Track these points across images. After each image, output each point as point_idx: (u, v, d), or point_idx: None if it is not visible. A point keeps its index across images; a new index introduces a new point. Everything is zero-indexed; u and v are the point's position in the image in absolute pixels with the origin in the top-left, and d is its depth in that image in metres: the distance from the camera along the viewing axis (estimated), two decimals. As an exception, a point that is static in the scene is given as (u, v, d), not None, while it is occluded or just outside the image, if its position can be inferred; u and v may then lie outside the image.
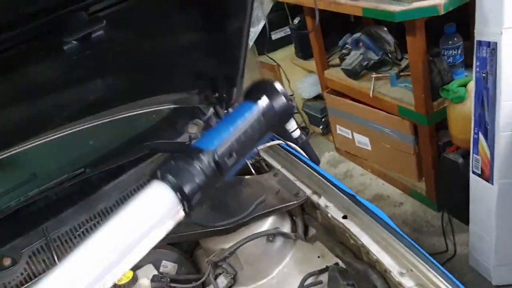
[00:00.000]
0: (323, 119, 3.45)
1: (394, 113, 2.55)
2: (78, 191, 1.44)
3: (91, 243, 0.79)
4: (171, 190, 0.77)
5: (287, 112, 0.92)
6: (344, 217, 1.24)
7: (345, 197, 1.28)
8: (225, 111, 1.54)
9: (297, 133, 1.64)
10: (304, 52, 3.28)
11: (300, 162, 1.46)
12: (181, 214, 0.79)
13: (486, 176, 1.96)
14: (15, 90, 0.90)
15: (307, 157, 1.57)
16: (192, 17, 1.08)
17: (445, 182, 2.46)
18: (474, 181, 2.06)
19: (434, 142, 2.44)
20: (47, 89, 0.94)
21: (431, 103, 2.30)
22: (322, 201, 1.30)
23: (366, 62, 2.71)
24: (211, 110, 1.71)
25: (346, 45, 2.88)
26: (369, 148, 2.97)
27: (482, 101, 1.92)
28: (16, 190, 1.45)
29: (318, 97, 3.54)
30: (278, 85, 0.92)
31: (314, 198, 1.33)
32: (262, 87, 0.92)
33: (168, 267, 1.35)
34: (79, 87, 1.03)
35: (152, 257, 1.33)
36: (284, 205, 1.32)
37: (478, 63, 1.91)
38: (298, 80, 3.53)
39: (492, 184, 1.93)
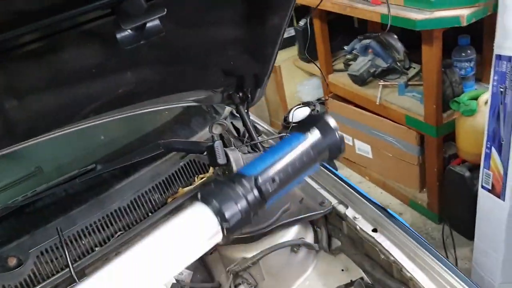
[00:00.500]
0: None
1: (400, 122, 2.52)
2: (89, 188, 1.35)
3: (129, 255, 0.76)
4: (211, 213, 0.77)
5: (338, 147, 0.93)
6: (374, 230, 1.19)
7: (374, 208, 1.23)
8: (246, 111, 1.47)
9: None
10: (308, 55, 3.23)
11: (322, 168, 1.40)
12: (220, 236, 0.79)
13: (497, 192, 1.94)
14: (53, 76, 0.82)
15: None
16: (234, 10, 1.01)
17: (449, 195, 2.44)
18: (483, 196, 2.03)
19: (440, 154, 2.41)
20: (81, 78, 0.86)
21: (441, 114, 2.28)
22: (349, 212, 1.25)
23: (374, 69, 2.68)
24: (227, 109, 1.65)
25: (353, 51, 2.84)
26: (370, 156, 2.93)
27: (498, 116, 1.90)
28: (23, 184, 1.37)
29: (321, 102, 3.50)
30: (331, 120, 0.92)
31: (340, 208, 1.27)
32: (315, 120, 0.93)
33: (184, 274, 1.28)
34: (112, 78, 0.95)
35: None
36: (309, 214, 1.27)
37: (496, 77, 1.89)
38: (299, 82, 3.48)
39: (504, 200, 1.90)
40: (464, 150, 2.29)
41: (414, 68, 2.70)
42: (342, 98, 2.98)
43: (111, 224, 1.29)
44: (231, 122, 1.66)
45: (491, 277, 2.08)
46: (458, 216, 2.44)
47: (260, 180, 0.82)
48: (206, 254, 1.33)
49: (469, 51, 2.28)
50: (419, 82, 2.58)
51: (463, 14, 1.86)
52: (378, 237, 1.17)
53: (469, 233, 2.42)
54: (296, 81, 3.49)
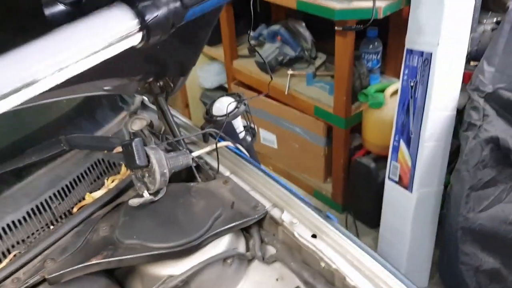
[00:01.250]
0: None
1: (308, 113, 2.49)
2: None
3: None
4: (131, 11, 0.70)
5: None
6: (313, 236, 1.10)
7: (312, 212, 1.15)
8: (165, 101, 1.29)
9: (241, 134, 1.46)
10: (210, 38, 3.07)
11: (253, 168, 1.29)
12: (138, 38, 0.72)
13: (405, 183, 2.00)
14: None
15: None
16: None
17: (354, 185, 2.49)
18: (390, 187, 2.08)
19: (347, 146, 2.43)
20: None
21: (351, 106, 2.29)
22: (286, 217, 1.14)
23: (282, 57, 2.61)
24: (138, 98, 1.45)
25: (260, 37, 2.75)
26: (275, 146, 2.89)
27: (407, 110, 1.94)
28: None
29: (220, 88, 3.37)
30: None
31: (275, 212, 1.17)
32: None
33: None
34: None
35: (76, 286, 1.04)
36: (243, 220, 1.14)
37: (406, 71, 1.92)
38: (200, 68, 3.31)
39: (411, 192, 1.96)
40: (369, 142, 2.34)
41: (320, 58, 2.68)
42: (247, 85, 2.88)
43: (4, 242, 1.04)
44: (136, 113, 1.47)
45: (396, 267, 2.15)
46: (362, 206, 2.50)
47: None
48: (122, 275, 1.15)
49: (376, 43, 2.31)
50: (326, 72, 2.58)
51: (380, 6, 1.85)
52: (318, 244, 1.08)
53: (372, 222, 2.50)
54: (196, 66, 3.31)
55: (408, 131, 1.93)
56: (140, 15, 0.70)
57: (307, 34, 2.57)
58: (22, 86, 0.58)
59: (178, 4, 0.74)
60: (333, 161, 2.54)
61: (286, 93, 2.53)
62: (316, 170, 2.72)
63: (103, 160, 1.27)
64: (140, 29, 0.70)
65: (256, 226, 1.20)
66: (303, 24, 2.57)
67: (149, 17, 0.70)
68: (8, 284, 0.97)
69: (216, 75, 3.28)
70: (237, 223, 1.13)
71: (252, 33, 2.86)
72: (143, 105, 1.47)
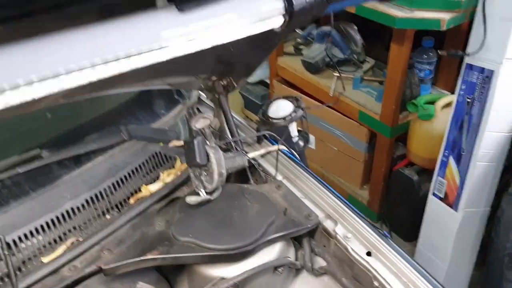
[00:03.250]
0: (263, 107, 3.27)
1: (352, 117, 2.45)
2: (32, 178, 1.10)
3: None
4: None
5: None
6: (368, 253, 1.08)
7: (367, 228, 1.12)
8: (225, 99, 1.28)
9: (295, 139, 1.44)
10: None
11: (307, 174, 1.27)
12: (279, 22, 0.71)
13: (450, 201, 1.95)
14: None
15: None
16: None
17: (393, 195, 2.45)
18: (434, 203, 2.04)
19: (390, 155, 2.39)
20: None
21: (398, 115, 2.24)
22: (339, 230, 1.13)
23: (329, 59, 2.57)
24: (195, 93, 1.44)
25: (309, 37, 2.72)
26: (313, 147, 2.86)
27: (461, 126, 1.89)
28: None
29: (260, 83, 3.35)
30: None
31: (329, 224, 1.15)
32: None
33: (144, 289, 1.08)
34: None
35: (127, 278, 1.05)
36: (296, 229, 1.12)
37: (464, 87, 1.87)
38: (243, 60, 3.29)
39: (456, 211, 1.91)
40: (414, 153, 2.29)
41: (369, 62, 2.64)
42: (289, 83, 2.86)
43: (62, 229, 1.05)
44: (198, 108, 1.46)
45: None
46: (399, 218, 2.46)
47: None
48: (169, 269, 1.15)
49: (431, 54, 2.25)
50: (374, 77, 2.53)
51: (444, 18, 1.80)
52: (373, 262, 1.06)
53: (407, 235, 2.45)
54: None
55: (459, 148, 1.88)
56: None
57: (358, 37, 2.52)
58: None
59: None
60: (374, 169, 2.50)
61: (331, 94, 2.49)
62: (353, 176, 2.69)
63: (159, 152, 1.27)
64: (285, 14, 0.70)
65: (307, 236, 1.18)
66: (355, 27, 2.52)
67: (296, 2, 0.70)
68: (65, 271, 0.98)
69: (260, 70, 3.25)
70: (290, 231, 1.11)
71: (301, 32, 2.82)
72: (200, 101, 1.47)
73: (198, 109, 1.45)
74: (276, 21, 0.68)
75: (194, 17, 0.52)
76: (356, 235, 1.12)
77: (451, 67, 2.33)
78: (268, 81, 3.14)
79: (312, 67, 2.61)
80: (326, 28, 2.56)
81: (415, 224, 2.20)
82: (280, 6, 0.67)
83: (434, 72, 2.35)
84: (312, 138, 2.85)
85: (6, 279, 0.95)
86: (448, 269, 1.97)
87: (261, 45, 1.00)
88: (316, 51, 2.60)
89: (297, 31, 2.97)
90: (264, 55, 1.08)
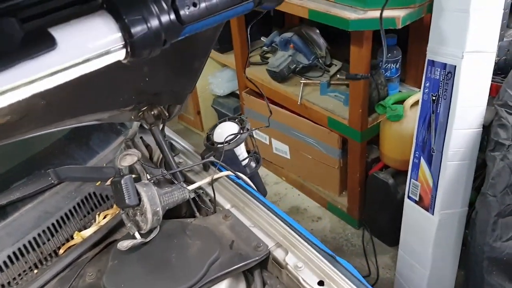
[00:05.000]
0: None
1: (322, 124, 2.37)
2: None
3: None
4: (115, 23, 0.59)
5: None
6: (320, 283, 0.99)
7: (319, 255, 1.04)
8: (161, 130, 1.19)
9: (245, 161, 1.35)
10: (222, 45, 2.97)
11: (256, 201, 1.18)
12: (121, 55, 0.61)
13: (426, 204, 1.86)
14: None
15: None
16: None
17: (371, 200, 2.36)
18: (410, 207, 1.95)
19: (363, 159, 2.31)
20: None
21: (367, 119, 2.16)
22: (290, 260, 1.04)
23: (294, 66, 2.49)
24: (136, 124, 1.35)
25: (273, 44, 2.63)
26: (288, 156, 2.77)
27: (429, 125, 1.80)
28: None
29: (232, 95, 3.27)
30: None
31: (279, 253, 1.06)
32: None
33: None
34: None
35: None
36: (243, 263, 1.03)
37: (428, 84, 1.79)
38: (212, 74, 3.21)
39: (433, 214, 1.83)
40: (388, 156, 2.20)
41: (336, 65, 2.55)
42: (258, 94, 2.77)
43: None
44: (141, 137, 1.37)
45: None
46: (379, 222, 2.37)
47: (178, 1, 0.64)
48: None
49: (395, 52, 2.17)
50: (341, 81, 2.45)
51: (399, 15, 1.72)
52: (326, 292, 0.97)
53: (389, 240, 2.37)
54: (208, 73, 3.21)
55: (429, 148, 1.80)
56: (125, 29, 0.59)
57: (321, 41, 2.44)
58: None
59: (172, 18, 0.63)
60: (349, 175, 2.41)
61: (299, 103, 2.41)
62: (331, 183, 2.60)
63: (94, 193, 1.17)
64: (124, 45, 0.60)
65: (258, 268, 1.09)
66: (317, 31, 2.44)
67: (136, 32, 0.59)
68: None
69: (228, 82, 3.18)
70: (235, 266, 1.03)
71: (264, 40, 2.74)
72: (142, 128, 1.38)
73: (142, 138, 1.37)
74: (118, 55, 0.58)
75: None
76: (308, 264, 1.03)
77: (419, 63, 2.25)
78: (238, 92, 3.06)
79: (278, 76, 2.52)
80: (288, 35, 2.47)
81: (396, 229, 2.11)
82: (117, 37, 0.57)
83: (401, 69, 2.27)
84: (286, 147, 2.76)
85: None
86: (431, 274, 1.88)
87: (182, 72, 0.92)
88: (280, 59, 2.51)
89: (262, 39, 2.90)
90: (191, 81, 0.99)
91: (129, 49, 0.57)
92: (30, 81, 0.45)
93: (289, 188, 2.88)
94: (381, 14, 1.49)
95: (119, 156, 1.04)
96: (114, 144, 1.32)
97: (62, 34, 0.49)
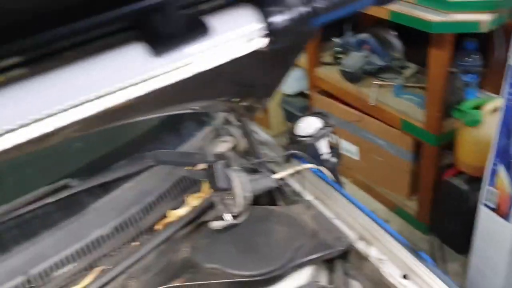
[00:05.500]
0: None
1: (395, 126, 2.36)
2: (60, 208, 1.12)
3: None
4: (257, 14, 0.64)
5: None
6: (404, 276, 1.02)
7: (403, 249, 1.06)
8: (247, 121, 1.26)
9: (326, 156, 1.39)
10: (294, 45, 3.02)
11: (338, 194, 1.22)
12: (261, 43, 0.66)
13: (503, 212, 1.82)
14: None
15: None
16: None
17: (443, 206, 2.32)
18: (485, 214, 1.91)
19: (437, 164, 2.28)
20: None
21: (443, 123, 2.13)
22: (373, 252, 1.07)
23: (368, 67, 2.50)
24: (222, 116, 1.42)
25: (346, 44, 2.65)
26: (357, 157, 2.78)
27: (510, 132, 1.76)
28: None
29: (300, 94, 3.31)
30: None
31: (362, 246, 1.09)
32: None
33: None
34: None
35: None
36: (325, 252, 1.08)
37: (510, 90, 1.74)
38: (282, 73, 3.27)
39: (510, 222, 1.78)
40: (463, 161, 2.16)
41: (410, 68, 2.54)
42: (329, 94, 2.80)
43: (91, 257, 1.06)
44: (225, 128, 1.45)
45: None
46: (450, 229, 2.33)
47: None
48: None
49: (475, 56, 2.13)
50: (417, 84, 2.43)
51: (484, 19, 1.70)
52: (410, 285, 1.00)
53: (460, 247, 2.32)
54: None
55: (509, 156, 1.76)
56: (267, 19, 0.65)
57: (397, 43, 2.43)
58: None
59: (308, 10, 0.68)
60: (421, 179, 2.39)
61: (371, 103, 2.41)
62: (400, 186, 2.58)
63: (185, 177, 1.26)
64: (265, 35, 0.66)
65: (339, 258, 1.13)
66: (394, 32, 2.44)
67: (276, 22, 0.65)
68: (93, 299, 0.98)
69: (297, 81, 3.21)
70: (319, 254, 1.07)
71: (337, 40, 2.77)
72: (227, 122, 1.45)
73: (225, 130, 1.44)
74: (258, 43, 0.64)
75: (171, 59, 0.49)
76: (391, 257, 1.05)
77: (499, 69, 2.19)
78: (308, 92, 3.10)
79: (351, 77, 2.54)
80: (364, 36, 2.49)
81: (467, 236, 2.07)
82: (258, 27, 0.63)
83: (481, 74, 2.22)
84: (355, 148, 2.77)
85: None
86: (504, 284, 1.84)
87: (276, 65, 0.98)
88: (354, 60, 2.53)
89: (334, 40, 2.92)
90: (281, 74, 1.05)
91: (270, 38, 0.63)
92: (186, 64, 0.51)
93: (356, 190, 2.88)
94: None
95: (213, 142, 1.11)
96: (202, 133, 1.40)
97: (215, 22, 0.56)
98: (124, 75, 0.43)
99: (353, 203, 1.20)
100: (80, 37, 0.43)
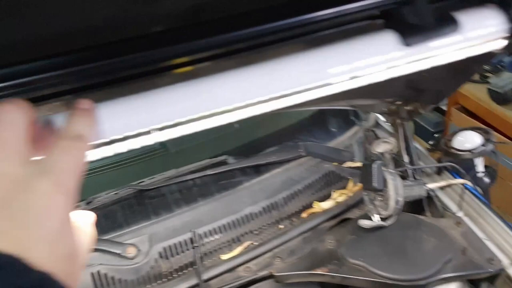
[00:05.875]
0: (435, 135, 3.10)
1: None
2: (216, 181, 1.20)
3: None
4: (503, 14, 0.60)
5: None
6: None
7: None
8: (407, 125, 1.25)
9: (480, 174, 1.33)
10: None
11: (492, 214, 1.16)
12: (499, 45, 0.62)
13: None
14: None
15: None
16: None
17: None
18: None
19: None
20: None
21: None
22: (526, 281, 1.01)
23: (522, 89, 2.33)
24: (374, 116, 1.42)
25: (499, 64, 2.50)
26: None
27: None
28: (147, 163, 1.25)
29: (436, 109, 3.17)
30: None
31: (514, 272, 1.03)
32: None
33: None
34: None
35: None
36: (475, 271, 1.04)
37: None
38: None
39: None
40: None
41: None
42: (470, 112, 2.65)
43: (240, 231, 1.13)
44: (372, 130, 1.45)
45: None
46: None
47: None
48: None
49: None
50: None
51: None
52: None
53: None
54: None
55: None
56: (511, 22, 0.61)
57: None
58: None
59: None
60: None
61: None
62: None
63: (332, 171, 1.28)
64: (506, 37, 0.63)
65: (486, 281, 1.08)
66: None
67: None
68: (241, 271, 1.05)
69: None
70: (467, 272, 1.03)
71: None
72: (376, 123, 1.45)
73: (374, 132, 1.44)
74: (496, 45, 0.62)
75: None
76: (548, 290, 0.99)
77: None
78: (444, 107, 2.96)
79: (500, 97, 2.39)
80: (521, 56, 2.32)
81: None
82: (503, 28, 0.61)
83: None
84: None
85: (190, 268, 1.06)
86: None
87: (459, 72, 0.96)
88: (506, 80, 2.37)
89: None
90: (459, 83, 1.03)
91: (509, 41, 0.62)
92: (430, 56, 0.52)
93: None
94: None
95: (375, 141, 1.12)
96: (350, 132, 1.41)
97: (464, 18, 0.56)
98: (376, 59, 0.46)
99: (507, 224, 1.13)
100: (335, 20, 0.47)
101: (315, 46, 0.47)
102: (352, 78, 0.47)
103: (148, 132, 0.45)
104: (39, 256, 0.31)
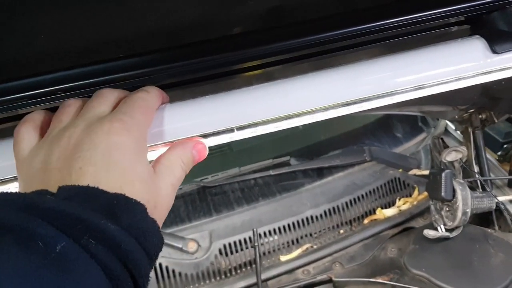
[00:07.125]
0: (504, 145, 2.94)
1: None
2: (278, 181, 1.21)
3: None
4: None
5: None
6: None
7: None
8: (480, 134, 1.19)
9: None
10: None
11: None
12: None
13: None
14: None
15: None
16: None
17: None
18: None
19: None
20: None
21: None
22: None
23: None
24: (442, 122, 1.38)
25: None
26: None
27: None
28: (211, 160, 1.27)
29: (507, 119, 3.02)
30: None
31: None
32: None
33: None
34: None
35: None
36: (548, 292, 0.98)
37: None
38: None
39: None
40: None
41: None
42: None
43: (300, 233, 1.13)
44: (441, 138, 1.40)
45: None
46: None
47: None
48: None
49: None
50: None
51: None
52: None
53: None
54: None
55: None
56: None
57: None
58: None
59: None
60: None
61: None
62: None
63: (397, 178, 1.25)
64: None
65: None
66: None
67: None
68: (299, 273, 1.05)
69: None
70: (537, 292, 0.98)
71: None
72: (445, 131, 1.40)
73: (442, 139, 1.40)
74: None
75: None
76: None
77: None
78: (516, 117, 2.81)
79: None
80: None
81: None
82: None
83: None
84: None
85: (249, 267, 1.07)
86: None
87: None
88: None
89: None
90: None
91: None
92: None
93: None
94: None
95: (446, 150, 1.09)
96: (418, 139, 1.38)
97: None
98: (462, 66, 0.45)
99: None
100: (419, 26, 0.46)
101: (397, 51, 0.46)
102: (434, 84, 0.46)
103: (231, 130, 0.46)
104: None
